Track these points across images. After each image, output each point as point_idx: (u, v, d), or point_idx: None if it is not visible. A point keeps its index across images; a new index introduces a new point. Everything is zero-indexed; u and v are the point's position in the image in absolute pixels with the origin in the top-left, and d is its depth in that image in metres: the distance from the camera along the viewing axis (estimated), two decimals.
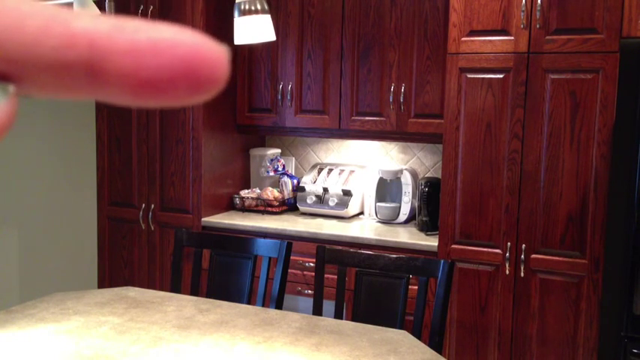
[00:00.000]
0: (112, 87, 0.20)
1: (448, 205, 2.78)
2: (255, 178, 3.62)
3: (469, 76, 2.70)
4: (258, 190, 3.47)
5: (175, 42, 0.20)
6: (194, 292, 2.41)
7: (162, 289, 3.28)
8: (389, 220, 3.21)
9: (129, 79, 0.19)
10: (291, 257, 2.75)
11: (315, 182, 3.38)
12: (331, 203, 3.27)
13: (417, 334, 2.07)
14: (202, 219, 3.27)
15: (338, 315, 2.22)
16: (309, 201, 3.32)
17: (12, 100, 0.19)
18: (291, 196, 3.45)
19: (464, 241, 2.77)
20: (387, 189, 3.29)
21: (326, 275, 2.56)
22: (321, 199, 3.30)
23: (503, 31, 2.63)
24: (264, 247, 2.39)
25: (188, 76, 0.20)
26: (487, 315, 2.76)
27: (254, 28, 1.71)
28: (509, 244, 2.69)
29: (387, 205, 3.23)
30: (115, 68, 0.19)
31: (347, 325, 1.99)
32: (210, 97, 0.21)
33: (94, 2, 1.85)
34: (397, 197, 3.25)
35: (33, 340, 1.78)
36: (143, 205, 3.41)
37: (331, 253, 2.31)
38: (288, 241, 2.40)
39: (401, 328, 2.09)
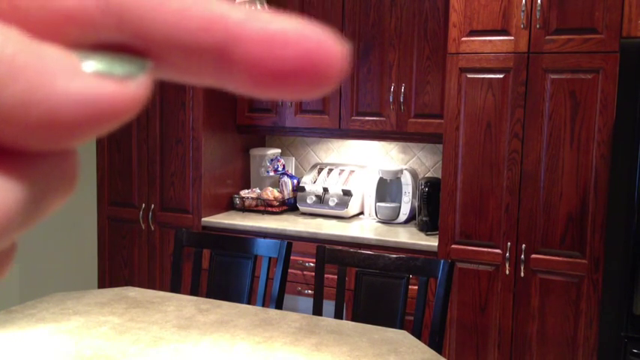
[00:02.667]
0: (236, 74, 0.20)
1: (448, 205, 2.78)
2: (255, 178, 3.62)
3: (469, 76, 2.70)
4: (258, 190, 3.47)
5: (303, 35, 0.20)
6: (194, 292, 2.41)
7: (162, 289, 3.27)
8: (389, 220, 3.21)
9: (255, 67, 0.19)
10: (291, 257, 2.75)
11: (315, 182, 3.38)
12: (331, 203, 3.27)
13: (417, 334, 2.06)
14: (202, 219, 3.27)
15: (338, 315, 2.22)
16: (309, 201, 3.32)
17: (149, 77, 0.19)
18: (291, 196, 3.45)
19: (464, 241, 2.77)
20: (387, 189, 3.29)
21: (326, 275, 2.56)
22: (321, 199, 3.30)
23: (503, 31, 2.63)
24: (264, 247, 2.39)
25: (310, 70, 0.20)
26: (487, 315, 2.76)
27: None
28: (509, 244, 2.69)
29: (387, 205, 3.23)
30: (244, 56, 0.19)
31: (347, 325, 1.98)
32: (325, 93, 0.21)
33: None
34: (397, 197, 3.25)
35: (33, 340, 1.78)
36: (143, 205, 3.41)
37: (331, 253, 2.31)
38: (288, 241, 2.40)
39: (401, 328, 2.09)
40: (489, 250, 2.73)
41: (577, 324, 2.62)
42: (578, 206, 2.57)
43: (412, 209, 3.21)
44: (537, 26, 2.57)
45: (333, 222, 3.24)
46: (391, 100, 3.09)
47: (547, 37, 2.57)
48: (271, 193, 3.40)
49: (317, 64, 0.20)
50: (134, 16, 0.19)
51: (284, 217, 3.35)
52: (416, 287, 2.23)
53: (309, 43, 0.20)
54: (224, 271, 2.44)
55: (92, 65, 0.18)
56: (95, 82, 0.18)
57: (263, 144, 3.75)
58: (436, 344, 2.07)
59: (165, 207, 3.37)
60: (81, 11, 0.18)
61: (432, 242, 2.85)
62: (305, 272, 3.09)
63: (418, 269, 2.18)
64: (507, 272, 2.70)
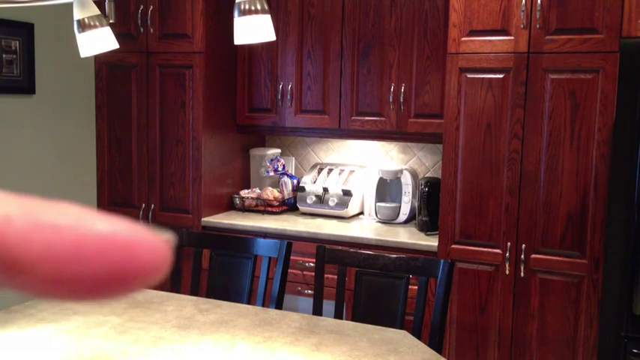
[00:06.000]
0: (28, 287, 0.18)
1: (448, 205, 2.78)
2: (255, 178, 3.62)
3: (469, 76, 2.70)
4: (258, 190, 3.47)
5: (104, 246, 0.17)
6: (194, 292, 2.41)
7: (162, 289, 3.27)
8: (389, 220, 3.21)
9: (46, 285, 0.17)
10: (291, 257, 2.75)
11: (315, 182, 3.38)
12: (331, 203, 3.27)
13: (417, 334, 2.06)
14: (202, 219, 3.27)
15: (338, 315, 2.22)
16: (309, 201, 3.32)
17: None
18: (291, 196, 3.45)
19: (464, 241, 2.77)
20: (387, 189, 3.29)
21: (326, 275, 2.56)
22: (321, 199, 3.30)
23: (503, 31, 2.63)
24: (264, 247, 2.39)
25: (118, 281, 0.17)
26: (487, 315, 2.76)
27: (254, 28, 1.71)
28: (509, 244, 2.69)
29: (387, 205, 3.23)
30: (30, 273, 0.17)
31: (347, 325, 1.98)
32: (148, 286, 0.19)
33: (94, 2, 1.85)
34: (397, 197, 3.25)
35: (33, 340, 1.78)
36: (143, 205, 3.41)
37: (331, 253, 2.30)
38: (288, 241, 2.40)
39: (401, 328, 2.09)
40: (489, 250, 2.73)
41: (577, 324, 2.62)
42: (578, 206, 2.57)
43: (412, 209, 3.21)
44: (537, 26, 2.57)
45: (333, 222, 3.23)
46: (391, 100, 3.09)
47: (547, 37, 2.56)
48: (271, 193, 3.40)
49: (128, 274, 0.17)
50: None
51: (284, 217, 3.35)
52: (416, 287, 2.23)
53: (113, 255, 0.17)
54: (224, 271, 2.44)
55: None
56: None
57: (263, 144, 3.75)
58: (436, 344, 2.07)
59: (165, 207, 3.37)
60: None
61: (432, 242, 2.85)
62: (305, 272, 3.09)
63: (418, 269, 2.18)
64: (507, 272, 2.70)
